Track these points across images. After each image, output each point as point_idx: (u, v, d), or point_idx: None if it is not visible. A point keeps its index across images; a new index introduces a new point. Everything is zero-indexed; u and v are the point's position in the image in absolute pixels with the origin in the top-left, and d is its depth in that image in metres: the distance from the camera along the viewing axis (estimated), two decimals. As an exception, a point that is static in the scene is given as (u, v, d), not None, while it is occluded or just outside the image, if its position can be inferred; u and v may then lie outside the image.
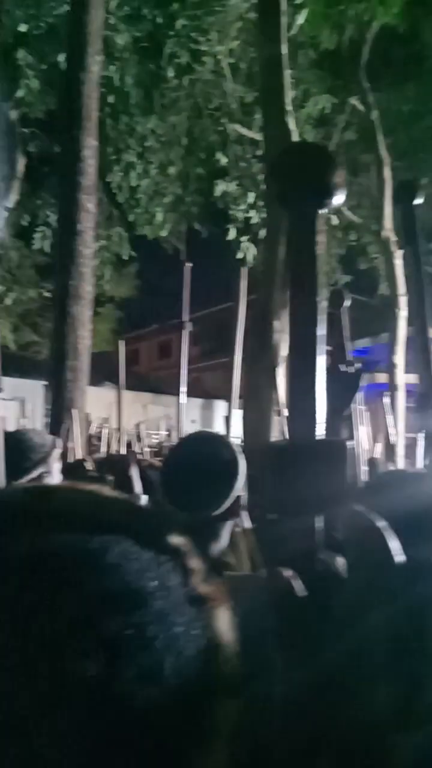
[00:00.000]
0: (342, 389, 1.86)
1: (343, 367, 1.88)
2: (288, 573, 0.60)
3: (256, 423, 4.16)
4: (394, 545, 0.67)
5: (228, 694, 0.43)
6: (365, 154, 11.33)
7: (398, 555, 0.68)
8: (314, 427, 0.67)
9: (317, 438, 0.67)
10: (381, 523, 0.67)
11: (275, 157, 0.68)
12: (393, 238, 9.66)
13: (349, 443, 0.68)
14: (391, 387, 8.90)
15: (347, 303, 2.03)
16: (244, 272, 2.69)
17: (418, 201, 1.12)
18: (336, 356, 1.99)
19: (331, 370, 1.91)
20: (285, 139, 4.76)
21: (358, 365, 1.93)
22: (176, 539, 0.51)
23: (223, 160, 10.05)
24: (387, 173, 9.83)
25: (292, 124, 4.80)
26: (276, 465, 0.67)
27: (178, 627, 0.43)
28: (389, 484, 1.40)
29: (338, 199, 0.66)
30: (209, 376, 23.26)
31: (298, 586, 0.61)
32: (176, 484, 1.61)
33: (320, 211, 0.66)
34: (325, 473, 0.67)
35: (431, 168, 12.73)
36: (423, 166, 12.49)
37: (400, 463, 7.73)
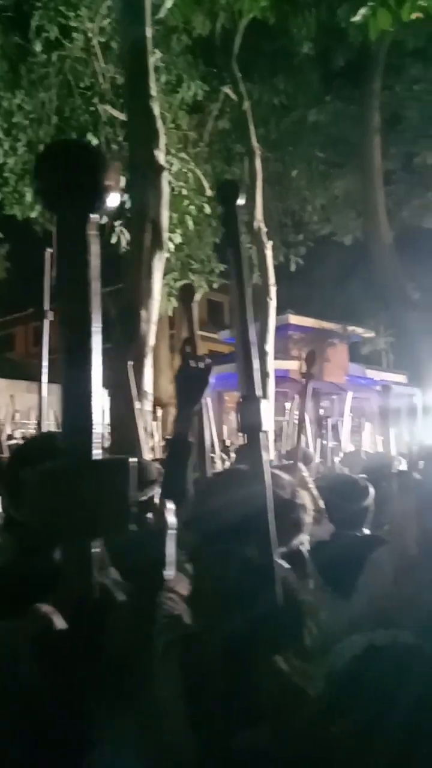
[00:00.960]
0: (192, 384, 1.84)
1: (192, 363, 1.86)
2: (47, 609, 0.56)
3: (122, 414, 4.07)
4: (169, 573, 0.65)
5: None
6: (238, 143, 11.47)
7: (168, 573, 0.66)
8: (90, 445, 0.62)
9: (94, 458, 0.63)
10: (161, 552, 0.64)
11: (39, 156, 0.62)
12: (264, 228, 9.87)
13: (132, 460, 0.64)
14: (262, 374, 9.16)
15: (197, 297, 2.00)
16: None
17: (240, 202, 1.11)
18: (186, 351, 1.96)
19: (182, 366, 1.89)
20: (149, 125, 4.68)
21: (208, 361, 1.93)
22: None
23: (94, 142, 9.75)
24: (258, 164, 10.01)
25: (156, 109, 4.73)
26: (48, 487, 0.62)
27: None
28: (220, 485, 1.40)
29: (111, 202, 0.61)
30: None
31: (59, 621, 0.57)
32: (19, 486, 1.51)
33: (91, 216, 0.61)
34: (103, 495, 0.63)
35: (301, 160, 13.20)
36: (293, 158, 12.90)
37: (271, 449, 7.99)
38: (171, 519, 1.00)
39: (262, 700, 1.01)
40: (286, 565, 1.30)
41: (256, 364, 1.13)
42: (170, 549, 0.98)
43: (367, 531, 2.95)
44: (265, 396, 7.71)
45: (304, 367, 3.15)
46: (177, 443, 1.75)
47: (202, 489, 1.43)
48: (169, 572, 0.92)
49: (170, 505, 1.03)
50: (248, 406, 1.11)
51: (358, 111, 13.03)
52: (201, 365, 1.85)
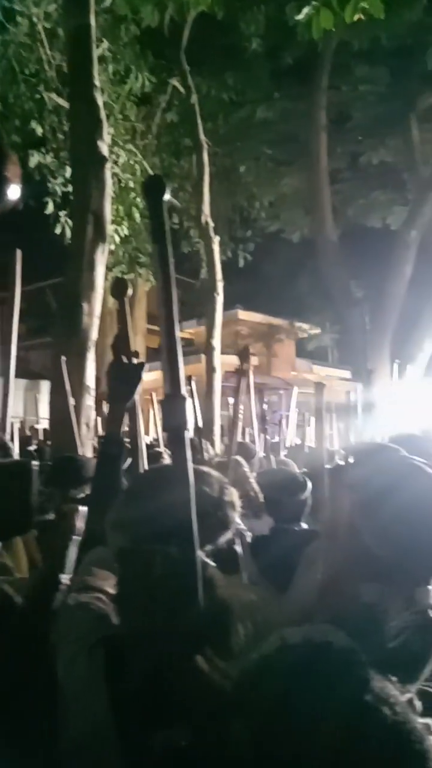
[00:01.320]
0: (123, 381, 1.81)
1: (125, 359, 1.84)
2: None
3: (63, 408, 3.99)
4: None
5: None
6: (187, 137, 11.43)
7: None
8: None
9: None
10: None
11: None
12: (211, 223, 9.87)
13: (35, 463, 0.62)
14: (209, 369, 9.15)
15: (130, 292, 1.97)
16: (18, 255, 2.54)
17: (167, 197, 1.09)
18: (119, 347, 1.92)
19: (113, 363, 1.86)
20: (93, 115, 4.60)
21: (140, 358, 1.91)
22: None
23: (39, 130, 9.54)
24: (206, 158, 10.00)
25: (100, 99, 4.64)
26: None
27: None
28: (145, 485, 1.38)
29: (11, 194, 0.59)
30: (37, 355, 22.30)
31: None
32: None
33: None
34: (3, 498, 0.61)
35: (249, 156, 13.25)
36: (241, 154, 12.94)
37: (218, 444, 8.01)
38: (79, 524, 0.98)
39: (182, 699, 1.01)
40: (212, 563, 1.29)
41: (180, 362, 1.12)
42: (71, 554, 0.96)
43: (305, 525, 2.99)
44: (211, 391, 7.72)
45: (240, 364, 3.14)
46: (108, 442, 1.72)
47: (128, 489, 1.40)
48: (65, 577, 0.90)
49: (82, 510, 1.02)
50: (172, 405, 1.10)
51: (306, 109, 13.15)
52: (133, 362, 1.83)
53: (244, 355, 2.63)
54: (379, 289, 13.81)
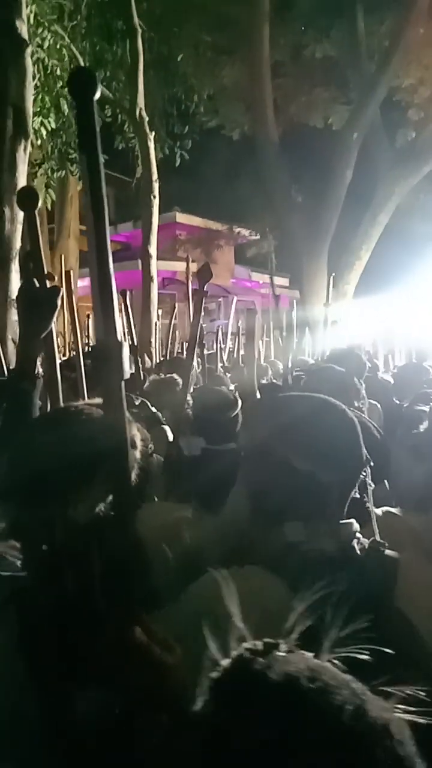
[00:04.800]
0: (36, 309, 1.59)
1: (37, 282, 1.61)
2: None
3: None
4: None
5: None
6: (119, 20, 10.40)
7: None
8: None
9: None
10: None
11: None
12: (146, 117, 9.23)
13: None
14: (146, 278, 8.81)
15: (39, 204, 1.74)
16: None
17: (98, 95, 0.90)
18: (28, 269, 1.69)
19: (23, 287, 1.62)
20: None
21: (55, 284, 1.69)
22: None
23: None
24: (140, 44, 9.18)
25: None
26: None
27: None
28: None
29: None
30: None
31: None
32: None
33: None
34: None
35: (188, 43, 12.29)
36: (179, 40, 11.98)
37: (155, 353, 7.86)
38: None
39: (105, 659, 0.94)
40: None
41: (115, 300, 0.98)
42: None
43: (233, 445, 2.94)
44: (148, 302, 7.46)
45: (196, 280, 2.90)
46: (19, 377, 1.53)
47: (14, 448, 1.21)
48: None
49: None
50: (107, 355, 0.96)
51: (247, -9, 12.17)
52: (47, 285, 1.60)
53: (203, 274, 2.38)
54: (318, 194, 13.51)
